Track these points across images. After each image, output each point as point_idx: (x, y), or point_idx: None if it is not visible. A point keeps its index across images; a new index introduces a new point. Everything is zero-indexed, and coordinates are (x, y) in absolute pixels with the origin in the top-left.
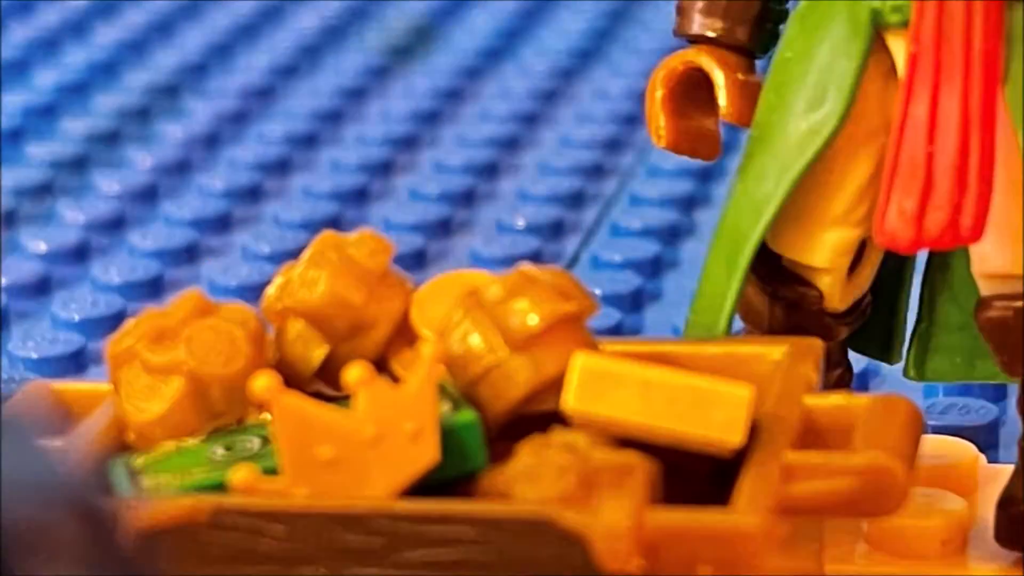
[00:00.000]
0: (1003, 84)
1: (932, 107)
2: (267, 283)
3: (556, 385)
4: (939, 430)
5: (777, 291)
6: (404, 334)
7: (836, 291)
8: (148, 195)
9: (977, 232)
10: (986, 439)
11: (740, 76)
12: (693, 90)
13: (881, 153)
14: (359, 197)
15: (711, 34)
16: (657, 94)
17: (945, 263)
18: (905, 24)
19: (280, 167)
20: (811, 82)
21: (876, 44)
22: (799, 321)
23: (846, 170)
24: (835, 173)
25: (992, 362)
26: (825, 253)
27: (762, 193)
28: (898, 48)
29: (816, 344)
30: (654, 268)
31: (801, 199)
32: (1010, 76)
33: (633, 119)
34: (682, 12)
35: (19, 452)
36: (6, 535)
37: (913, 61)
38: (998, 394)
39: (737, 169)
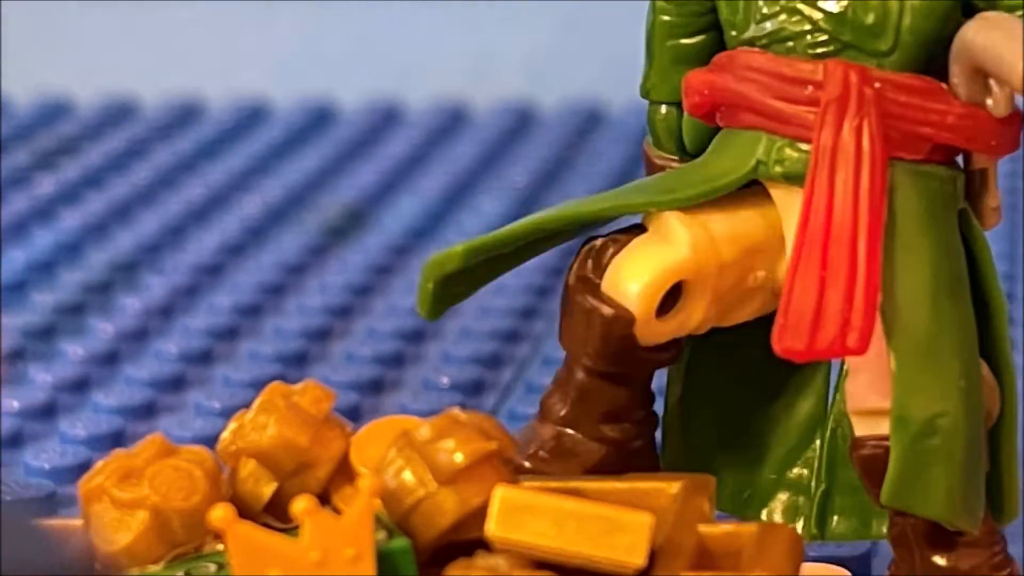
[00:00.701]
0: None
1: (824, 242)
2: (218, 435)
3: (480, 514)
4: (818, 559)
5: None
6: (344, 472)
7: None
8: (110, 359)
9: (863, 345)
10: (859, 568)
11: None
12: None
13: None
14: (300, 359)
15: None
16: None
17: (840, 434)
18: (786, 177)
19: (229, 333)
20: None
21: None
22: (614, 349)
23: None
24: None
25: (883, 519)
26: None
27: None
28: (777, 193)
29: (709, 480)
30: None
31: None
32: (891, 228)
33: (543, 291)
34: None
35: (20, 534)
36: None
37: (808, 197)
38: None
39: None
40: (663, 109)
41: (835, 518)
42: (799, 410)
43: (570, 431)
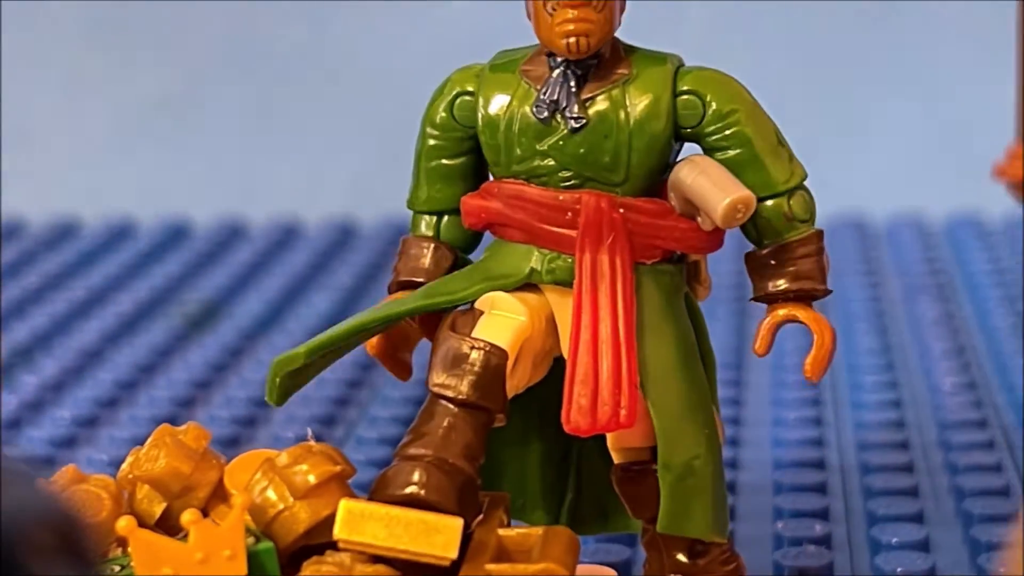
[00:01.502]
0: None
1: (594, 340)
2: None
3: (329, 522)
4: (592, 562)
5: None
6: (219, 494)
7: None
8: (14, 425)
9: (632, 420)
10: (623, 568)
11: None
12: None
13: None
14: (171, 422)
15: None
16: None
17: (585, 455)
18: (555, 282)
19: (111, 403)
20: (462, 274)
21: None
22: (488, 378)
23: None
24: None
25: (619, 516)
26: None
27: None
28: (549, 293)
29: (505, 496)
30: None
31: None
32: (640, 317)
33: (368, 366)
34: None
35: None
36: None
37: (578, 306)
38: (633, 539)
39: None
40: (424, 220)
41: (583, 520)
42: (551, 439)
43: (442, 457)
